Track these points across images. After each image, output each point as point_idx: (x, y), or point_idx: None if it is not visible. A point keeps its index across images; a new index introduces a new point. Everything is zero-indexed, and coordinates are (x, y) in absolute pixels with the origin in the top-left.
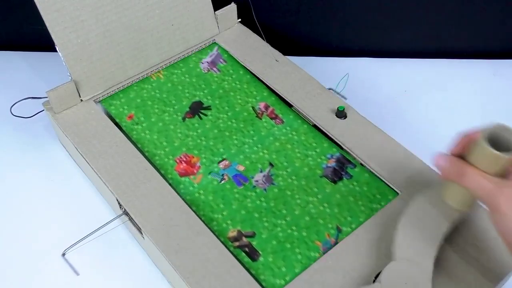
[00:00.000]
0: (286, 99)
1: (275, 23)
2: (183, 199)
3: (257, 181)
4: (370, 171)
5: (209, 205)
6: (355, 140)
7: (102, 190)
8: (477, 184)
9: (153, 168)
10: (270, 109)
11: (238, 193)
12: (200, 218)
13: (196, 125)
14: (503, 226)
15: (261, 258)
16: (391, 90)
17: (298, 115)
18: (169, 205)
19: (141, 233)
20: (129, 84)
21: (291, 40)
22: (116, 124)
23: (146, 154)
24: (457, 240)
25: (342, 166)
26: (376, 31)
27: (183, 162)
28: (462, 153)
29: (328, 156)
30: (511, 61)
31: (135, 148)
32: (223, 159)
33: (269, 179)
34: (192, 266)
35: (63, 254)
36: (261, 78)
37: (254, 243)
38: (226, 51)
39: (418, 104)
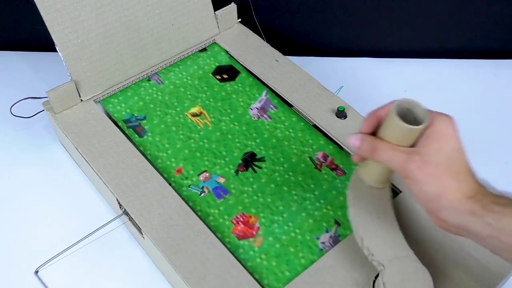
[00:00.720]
0: (286, 99)
1: (275, 23)
2: (184, 199)
3: (323, 243)
4: None
5: (273, 271)
6: None
7: (102, 190)
8: (389, 157)
9: (153, 168)
10: (329, 159)
11: (304, 258)
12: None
13: (251, 179)
14: (419, 192)
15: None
16: (391, 90)
17: None
18: (169, 205)
19: (141, 233)
20: (129, 84)
21: (291, 40)
22: (116, 124)
23: (199, 213)
24: (457, 240)
25: None
26: (376, 31)
27: (240, 222)
28: (372, 130)
29: None
30: (511, 61)
31: (135, 148)
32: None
33: (336, 240)
34: (192, 266)
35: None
36: (261, 78)
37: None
38: (274, 96)
39: None
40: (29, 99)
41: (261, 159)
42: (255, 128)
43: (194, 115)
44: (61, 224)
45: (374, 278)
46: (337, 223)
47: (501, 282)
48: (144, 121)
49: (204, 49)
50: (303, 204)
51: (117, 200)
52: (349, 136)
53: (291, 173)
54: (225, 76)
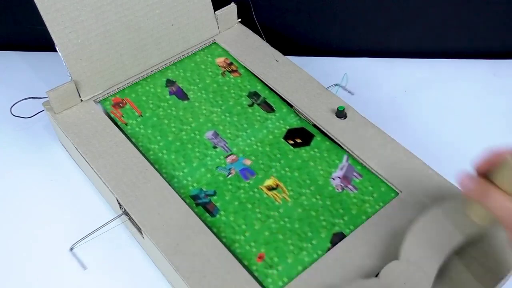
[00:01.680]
0: (286, 99)
1: (275, 23)
2: (183, 199)
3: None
4: (370, 171)
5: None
6: (355, 140)
7: (102, 190)
8: (499, 206)
9: (153, 168)
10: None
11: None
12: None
13: None
14: None
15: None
16: (391, 90)
17: None
18: (169, 205)
19: (141, 233)
20: (129, 84)
21: (291, 40)
22: (116, 124)
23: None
24: None
25: None
26: (376, 31)
27: None
28: (487, 170)
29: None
30: (511, 61)
31: (135, 148)
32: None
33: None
34: (192, 266)
35: (71, 249)
36: (261, 78)
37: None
38: (356, 163)
39: (418, 104)
40: (29, 99)
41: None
42: (341, 203)
43: (270, 188)
44: (61, 224)
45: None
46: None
47: (501, 282)
48: (215, 197)
49: (272, 109)
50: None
51: (117, 200)
52: (462, 174)
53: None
54: (298, 141)
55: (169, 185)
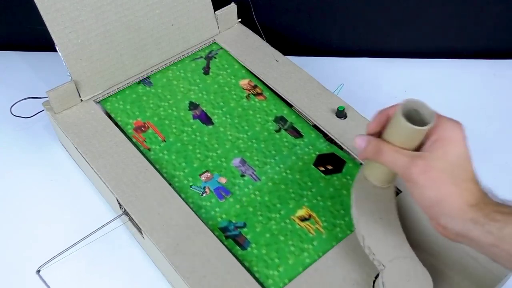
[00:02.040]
0: (286, 99)
1: (275, 23)
2: (183, 199)
3: None
4: None
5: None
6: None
7: (102, 190)
8: (393, 159)
9: (153, 168)
10: None
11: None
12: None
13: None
14: (420, 197)
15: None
16: (391, 90)
17: None
18: (169, 205)
19: (141, 233)
20: (129, 84)
21: (291, 40)
22: (116, 124)
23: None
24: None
25: None
26: (376, 31)
27: None
28: (379, 130)
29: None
30: (511, 61)
31: (135, 148)
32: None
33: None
34: (192, 266)
35: (38, 271)
36: (261, 78)
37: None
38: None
39: None
40: (29, 99)
41: None
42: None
43: (303, 219)
44: (61, 224)
45: (374, 278)
46: None
47: (500, 283)
48: (245, 229)
49: (300, 135)
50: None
51: (117, 200)
52: (356, 136)
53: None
54: (329, 167)
55: (169, 185)
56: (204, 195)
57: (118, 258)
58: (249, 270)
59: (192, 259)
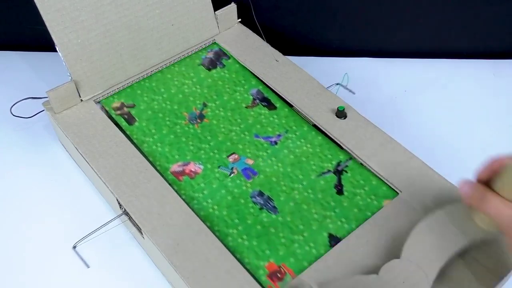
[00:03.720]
0: (286, 99)
1: (275, 23)
2: (183, 198)
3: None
4: (370, 171)
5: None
6: (355, 140)
7: (102, 190)
8: (497, 210)
9: (153, 168)
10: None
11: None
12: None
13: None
14: None
15: (136, 123)
16: (391, 90)
17: None
18: (169, 205)
19: (141, 233)
20: (129, 84)
21: (291, 40)
22: (116, 124)
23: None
24: None
25: (218, 58)
26: (376, 31)
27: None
28: (489, 178)
29: (208, 50)
30: (511, 61)
31: (135, 148)
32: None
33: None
34: (192, 266)
35: (74, 247)
36: (261, 78)
37: (133, 112)
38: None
39: (418, 104)
40: (29, 99)
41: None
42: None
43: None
44: (61, 224)
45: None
46: None
47: (500, 283)
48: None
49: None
50: None
51: (117, 200)
52: (462, 181)
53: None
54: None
55: (169, 185)
56: (232, 175)
57: (118, 258)
58: (249, 270)
59: (192, 259)
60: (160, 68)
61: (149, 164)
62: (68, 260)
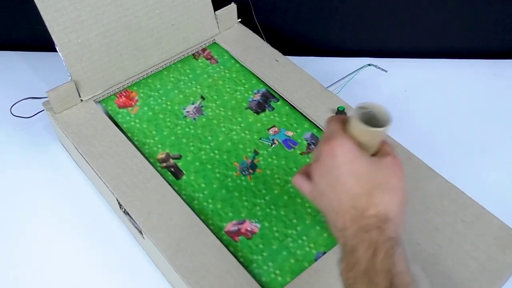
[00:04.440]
0: (286, 99)
1: (275, 23)
2: (183, 198)
3: (188, 111)
4: None
5: (143, 132)
6: None
7: (102, 190)
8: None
9: (153, 168)
10: (207, 51)
11: (169, 122)
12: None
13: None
14: (314, 194)
15: (184, 177)
16: (391, 90)
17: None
18: (169, 205)
19: (141, 233)
20: (129, 84)
21: (291, 40)
22: (116, 124)
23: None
24: (456, 240)
25: (266, 100)
26: (376, 31)
27: (122, 96)
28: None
29: (255, 91)
30: (511, 61)
31: (135, 148)
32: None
33: (199, 110)
34: (192, 266)
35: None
36: (261, 78)
37: (179, 164)
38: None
39: (418, 104)
40: (29, 99)
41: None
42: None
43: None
44: (61, 224)
45: None
46: (202, 97)
47: (500, 282)
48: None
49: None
50: (177, 84)
51: (117, 200)
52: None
53: (171, 62)
54: None
55: (169, 185)
56: (273, 146)
57: (118, 258)
58: (249, 270)
59: (192, 259)
60: (160, 68)
61: (149, 164)
62: (68, 260)
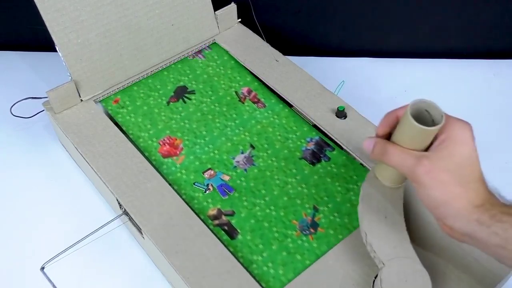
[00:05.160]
0: (286, 99)
1: (275, 23)
2: (183, 198)
3: (238, 161)
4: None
5: (190, 184)
6: (355, 140)
7: (102, 190)
8: (398, 160)
9: (153, 168)
10: (253, 93)
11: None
12: (183, 199)
13: (180, 108)
14: (426, 197)
15: (239, 236)
16: (391, 90)
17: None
18: (169, 205)
19: (141, 233)
20: (129, 84)
21: (291, 40)
22: (116, 123)
23: (131, 137)
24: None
25: (321, 149)
26: (376, 31)
27: (166, 144)
28: (388, 131)
29: (308, 139)
30: (511, 61)
31: (135, 148)
32: (208, 169)
33: (250, 160)
34: (192, 266)
35: (42, 268)
36: (261, 78)
37: (233, 221)
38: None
39: None
40: (29, 99)
41: (192, 92)
42: (189, 66)
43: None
44: (61, 224)
45: (374, 278)
46: (252, 146)
47: (501, 283)
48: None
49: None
50: (224, 130)
51: (117, 200)
52: (365, 139)
53: (217, 104)
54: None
55: (169, 185)
56: (207, 192)
57: (118, 258)
58: (249, 270)
59: (192, 259)
60: (160, 68)
61: (149, 164)
62: (68, 260)
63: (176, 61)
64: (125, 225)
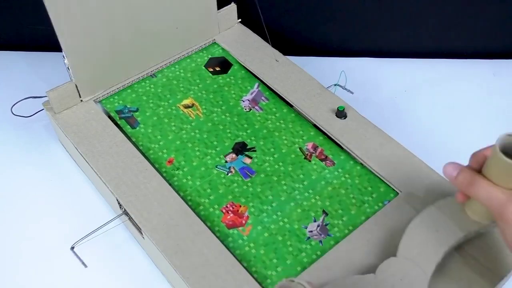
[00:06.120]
0: (286, 99)
1: (275, 23)
2: (182, 198)
3: (311, 231)
4: (370, 171)
5: (260, 259)
6: (355, 140)
7: (102, 190)
8: (486, 194)
9: (153, 168)
10: (319, 149)
11: (291, 246)
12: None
13: None
14: (510, 236)
15: None
16: (391, 90)
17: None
18: (169, 205)
19: (141, 233)
20: (129, 84)
21: (291, 40)
22: (116, 123)
23: (190, 203)
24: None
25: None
26: (376, 31)
27: (230, 212)
28: (478, 169)
29: (386, 202)
30: (511, 61)
31: (135, 148)
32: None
33: (324, 229)
34: (192, 266)
35: (72, 248)
36: (261, 78)
37: None
38: (266, 89)
39: (418, 104)
40: (30, 99)
41: (252, 149)
42: (246, 119)
43: (186, 106)
44: (61, 224)
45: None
46: (324, 212)
47: (501, 282)
48: (137, 113)
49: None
50: (292, 194)
51: (117, 200)
52: (446, 164)
53: (281, 163)
54: (217, 69)
55: (169, 185)
56: (229, 174)
57: (118, 258)
58: (248, 270)
59: (192, 259)
60: (160, 68)
61: (149, 164)
62: (68, 260)
63: (176, 61)
64: (125, 225)
